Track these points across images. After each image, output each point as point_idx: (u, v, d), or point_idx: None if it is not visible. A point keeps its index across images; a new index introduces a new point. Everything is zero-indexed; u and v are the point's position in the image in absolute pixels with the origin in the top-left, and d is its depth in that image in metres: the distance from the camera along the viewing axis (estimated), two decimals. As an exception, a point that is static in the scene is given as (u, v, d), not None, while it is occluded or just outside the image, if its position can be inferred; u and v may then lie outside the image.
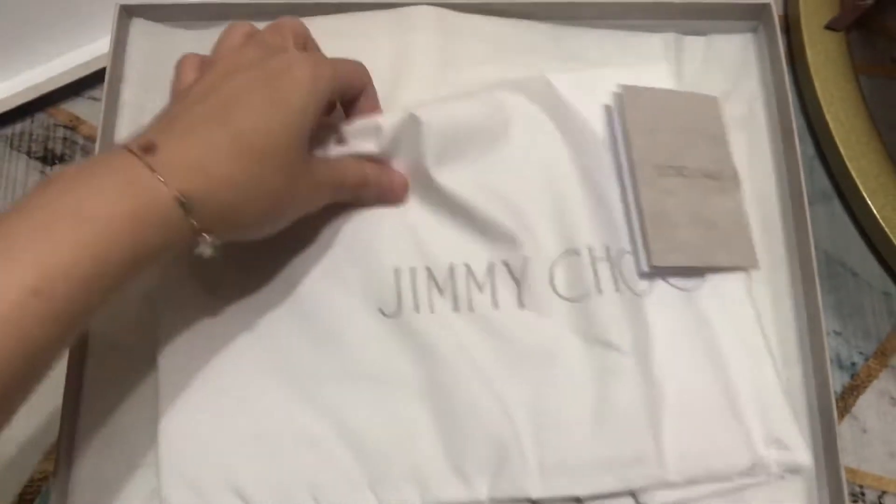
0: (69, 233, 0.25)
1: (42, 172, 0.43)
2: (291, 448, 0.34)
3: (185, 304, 0.36)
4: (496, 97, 0.39)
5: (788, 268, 0.39)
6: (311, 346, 0.36)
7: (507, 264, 0.37)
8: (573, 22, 0.43)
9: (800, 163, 0.39)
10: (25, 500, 0.37)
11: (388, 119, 0.36)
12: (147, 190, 0.27)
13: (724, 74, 0.43)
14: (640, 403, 0.35)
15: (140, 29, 0.42)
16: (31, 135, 0.44)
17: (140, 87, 0.41)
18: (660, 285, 0.37)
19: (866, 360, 0.40)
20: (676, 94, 0.40)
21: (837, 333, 0.41)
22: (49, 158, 0.43)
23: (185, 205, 0.27)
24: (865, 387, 0.40)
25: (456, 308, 0.36)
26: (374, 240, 0.37)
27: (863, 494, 0.38)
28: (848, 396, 0.39)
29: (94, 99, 0.45)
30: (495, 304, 0.37)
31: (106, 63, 0.40)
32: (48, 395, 0.38)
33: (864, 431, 0.39)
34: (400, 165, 0.38)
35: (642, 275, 0.37)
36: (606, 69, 0.41)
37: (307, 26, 0.35)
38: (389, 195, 0.37)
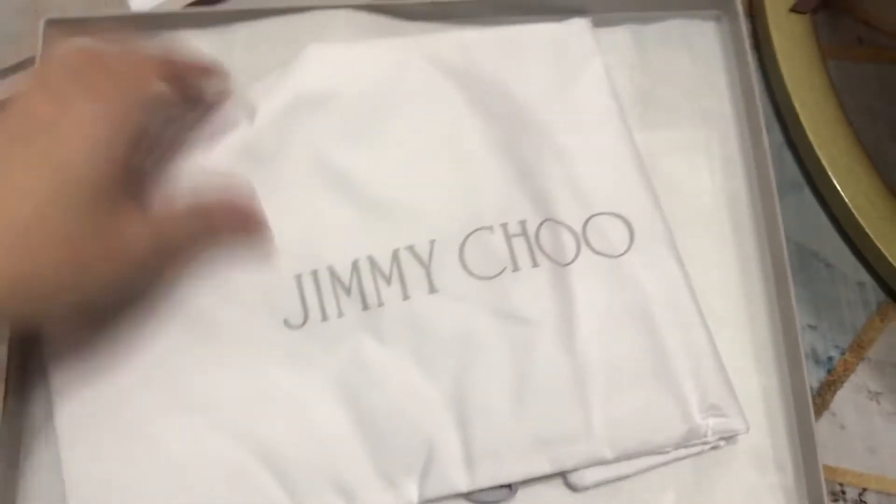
0: None
1: None
2: (209, 479, 0.33)
3: (74, 344, 0.34)
4: (393, 63, 0.37)
5: (760, 265, 0.38)
6: (215, 370, 0.34)
7: (411, 249, 0.35)
8: (530, 18, 0.41)
9: (769, 160, 0.38)
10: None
11: (265, 100, 0.33)
12: None
13: (692, 65, 0.41)
14: (564, 379, 0.33)
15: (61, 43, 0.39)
16: None
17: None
18: (585, 254, 0.35)
19: (843, 353, 0.39)
20: None
21: (812, 328, 0.40)
22: None
23: None
24: (843, 382, 0.39)
25: (365, 307, 0.35)
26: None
27: (843, 493, 0.37)
28: (825, 392, 0.38)
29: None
30: (405, 294, 0.35)
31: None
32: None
33: (843, 428, 0.38)
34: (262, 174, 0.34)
35: (566, 245, 0.35)
36: (525, 26, 0.39)
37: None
38: (242, 228, 0.34)
